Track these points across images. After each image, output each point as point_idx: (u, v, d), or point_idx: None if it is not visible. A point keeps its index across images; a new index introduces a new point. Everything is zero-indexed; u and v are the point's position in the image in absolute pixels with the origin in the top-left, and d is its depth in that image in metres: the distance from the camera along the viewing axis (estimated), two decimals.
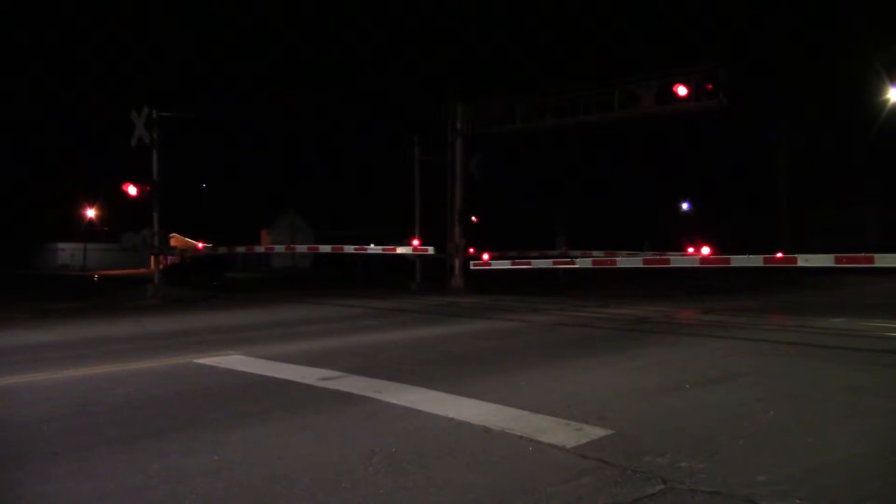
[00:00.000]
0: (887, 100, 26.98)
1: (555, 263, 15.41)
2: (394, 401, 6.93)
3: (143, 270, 38.78)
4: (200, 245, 24.65)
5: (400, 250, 18.84)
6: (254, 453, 5.38)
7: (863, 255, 11.10)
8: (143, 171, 20.89)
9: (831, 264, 11.35)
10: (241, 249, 23.15)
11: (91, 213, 65.38)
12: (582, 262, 14.72)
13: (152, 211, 20.85)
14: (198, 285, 23.70)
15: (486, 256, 16.81)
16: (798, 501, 4.27)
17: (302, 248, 21.27)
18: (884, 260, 10.92)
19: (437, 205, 25.05)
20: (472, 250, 22.67)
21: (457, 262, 23.20)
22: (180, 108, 21.94)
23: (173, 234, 50.52)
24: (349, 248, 19.63)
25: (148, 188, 20.80)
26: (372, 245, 19.92)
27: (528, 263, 15.91)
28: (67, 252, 66.39)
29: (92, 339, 12.08)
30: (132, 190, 20.63)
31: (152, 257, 21.14)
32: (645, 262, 13.66)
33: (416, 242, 19.11)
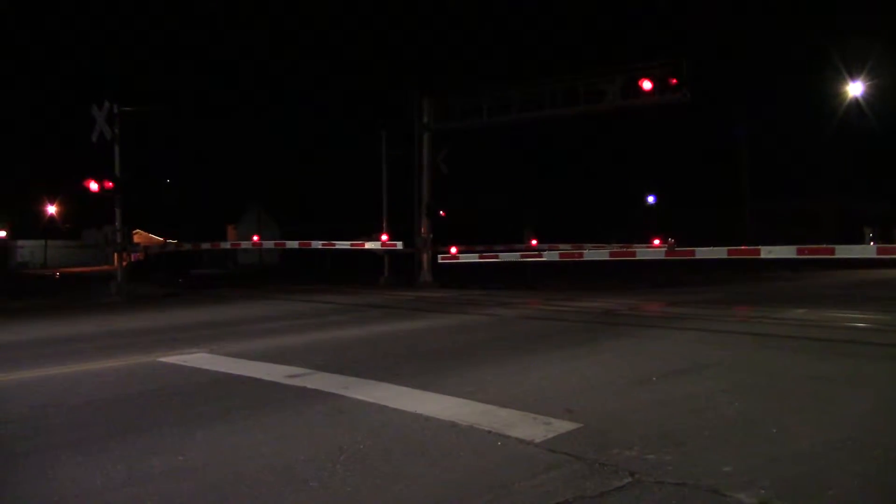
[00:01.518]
0: (846, 93, 27.51)
1: (522, 257, 15.43)
2: (361, 397, 6.89)
3: (105, 268, 38.13)
4: (164, 241, 24.31)
5: (368, 245, 18.74)
6: (219, 453, 5.31)
7: (824, 246, 11.30)
8: (105, 166, 20.53)
9: (793, 256, 11.54)
10: (206, 245, 22.83)
11: (52, 209, 64.11)
12: (549, 256, 14.78)
13: (115, 207, 20.49)
14: (162, 282, 23.36)
15: (454, 250, 16.78)
16: (762, 491, 4.33)
17: (269, 245, 21.04)
18: (843, 251, 11.13)
19: (405, 200, 24.98)
20: (441, 245, 22.66)
21: (425, 257, 23.17)
22: (143, 103, 21.57)
23: (137, 231, 49.74)
24: (317, 244, 19.48)
25: (110, 184, 20.43)
26: (340, 241, 19.78)
27: (496, 257, 15.93)
28: (26, 250, 65.06)
29: (53, 339, 11.84)
30: (93, 186, 20.26)
31: (115, 254, 20.77)
32: (611, 254, 13.74)
33: (384, 238, 19.02)
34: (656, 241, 15.40)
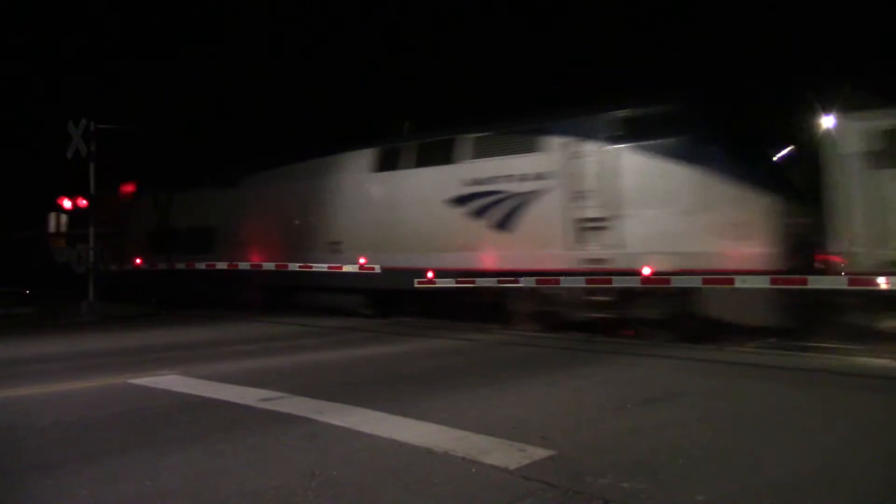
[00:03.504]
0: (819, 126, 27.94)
1: (499, 282, 15.43)
2: (335, 422, 6.82)
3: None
4: (139, 261, 24.01)
5: (346, 269, 18.63)
6: (189, 478, 5.22)
7: (797, 276, 11.40)
8: (80, 184, 20.33)
9: (767, 286, 11.63)
10: (181, 266, 22.61)
11: None
12: (525, 282, 14.79)
13: (88, 225, 20.27)
14: (136, 301, 23.06)
15: (430, 274, 16.73)
16: None
17: (245, 266, 20.85)
18: (816, 282, 11.24)
19: None
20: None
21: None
22: (120, 120, 21.37)
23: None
24: (294, 266, 19.35)
25: (84, 202, 20.22)
26: (317, 264, 19.65)
27: (473, 282, 15.90)
28: None
29: (21, 359, 11.61)
30: (67, 204, 20.06)
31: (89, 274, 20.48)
32: (588, 281, 13.79)
33: (362, 261, 19.00)
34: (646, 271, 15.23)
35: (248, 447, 6.05)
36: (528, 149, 14.94)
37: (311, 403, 7.68)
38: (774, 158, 13.17)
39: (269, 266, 19.80)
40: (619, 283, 13.40)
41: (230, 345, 13.38)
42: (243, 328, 16.59)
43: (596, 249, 13.89)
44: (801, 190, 12.49)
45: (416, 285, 16.38)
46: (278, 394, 8.22)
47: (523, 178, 14.88)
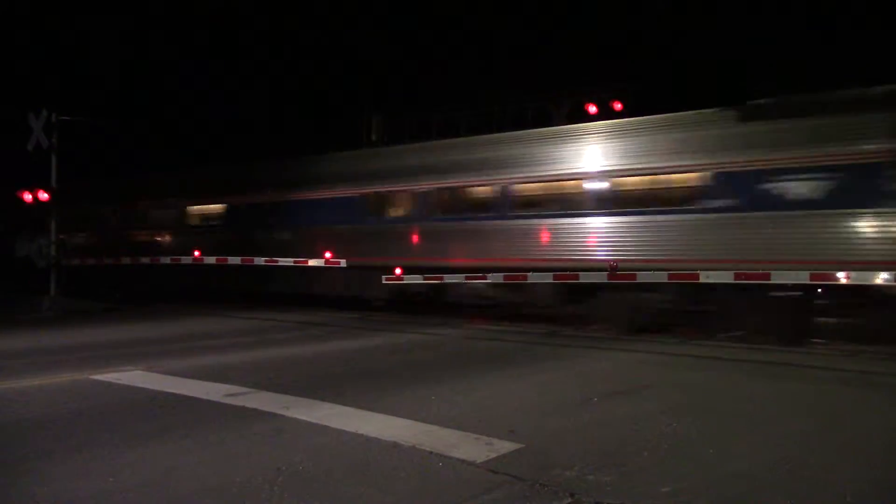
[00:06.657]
0: None
1: (467, 279, 15.49)
2: (302, 417, 6.78)
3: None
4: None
5: (312, 263, 18.53)
6: (152, 475, 5.15)
7: (759, 272, 11.58)
8: (41, 176, 19.93)
9: (731, 281, 11.80)
10: (146, 260, 22.30)
11: None
12: (493, 278, 14.89)
13: (50, 219, 19.89)
14: (99, 296, 22.69)
15: (398, 270, 16.73)
16: None
17: (210, 260, 20.61)
18: (779, 276, 11.43)
19: None
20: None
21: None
22: (85, 111, 21.04)
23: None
24: (260, 261, 19.21)
25: (45, 196, 19.85)
26: (283, 258, 19.51)
27: (441, 278, 15.95)
28: None
29: None
30: (27, 197, 19.69)
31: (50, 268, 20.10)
32: (555, 277, 13.91)
33: (328, 255, 18.90)
34: None
35: (212, 443, 5.98)
36: None
37: (278, 398, 7.63)
38: None
39: (234, 260, 19.63)
40: (585, 278, 13.52)
41: (194, 340, 13.22)
42: (209, 323, 16.41)
43: None
44: None
45: (384, 281, 16.43)
46: (244, 389, 8.15)
47: None
